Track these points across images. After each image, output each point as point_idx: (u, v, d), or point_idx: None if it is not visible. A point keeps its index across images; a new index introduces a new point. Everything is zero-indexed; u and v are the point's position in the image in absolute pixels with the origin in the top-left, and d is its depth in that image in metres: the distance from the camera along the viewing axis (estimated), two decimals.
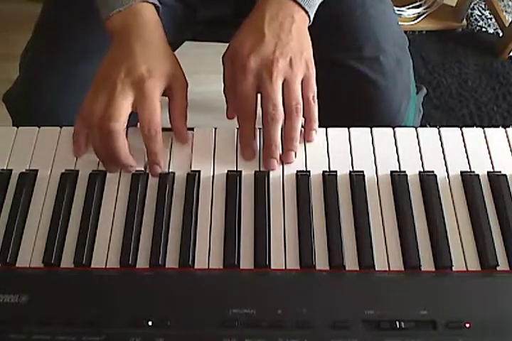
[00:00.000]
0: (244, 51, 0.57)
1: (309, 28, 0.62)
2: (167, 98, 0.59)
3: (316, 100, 0.58)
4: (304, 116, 0.57)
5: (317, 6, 0.62)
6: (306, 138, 0.58)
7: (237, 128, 0.60)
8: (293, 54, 0.57)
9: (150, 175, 0.57)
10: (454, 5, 1.71)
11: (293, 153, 0.57)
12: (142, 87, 0.55)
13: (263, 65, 0.56)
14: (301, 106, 0.56)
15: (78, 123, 0.57)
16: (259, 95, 0.57)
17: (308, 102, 0.57)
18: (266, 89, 0.56)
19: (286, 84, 0.56)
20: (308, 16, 0.61)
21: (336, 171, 0.57)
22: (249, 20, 0.61)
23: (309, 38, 0.60)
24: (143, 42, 0.58)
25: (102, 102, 0.54)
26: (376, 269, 0.51)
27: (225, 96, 0.61)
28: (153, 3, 0.61)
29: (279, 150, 0.57)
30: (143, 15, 0.60)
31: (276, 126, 0.56)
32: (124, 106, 0.54)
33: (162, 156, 0.57)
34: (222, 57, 0.61)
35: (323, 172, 0.57)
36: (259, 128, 0.59)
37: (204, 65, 1.64)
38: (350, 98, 0.72)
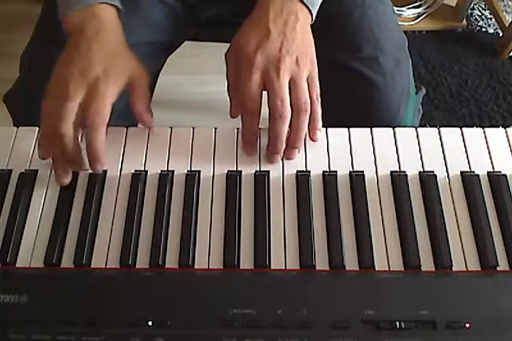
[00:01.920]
0: (250, 47, 0.56)
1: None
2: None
3: (319, 99, 0.58)
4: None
5: (319, 5, 0.62)
6: (310, 137, 0.58)
7: (238, 129, 0.60)
8: (299, 52, 0.57)
9: (149, 175, 0.57)
10: (454, 5, 1.71)
11: (297, 151, 0.58)
12: (94, 88, 0.55)
13: (269, 61, 0.56)
14: (309, 105, 0.56)
15: (43, 124, 0.56)
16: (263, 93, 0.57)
17: (312, 101, 0.57)
18: (273, 86, 0.55)
19: (293, 82, 0.56)
20: (311, 15, 0.61)
21: (335, 171, 0.57)
22: (253, 17, 0.60)
23: (312, 37, 0.60)
24: (99, 43, 0.58)
25: (56, 105, 0.54)
26: (376, 269, 0.51)
27: (229, 94, 0.60)
28: (113, 5, 0.61)
29: (284, 147, 0.57)
30: (100, 16, 0.60)
31: (285, 123, 0.55)
32: (75, 108, 0.54)
33: (102, 154, 0.56)
34: (225, 55, 0.61)
35: (323, 172, 0.57)
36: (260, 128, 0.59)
37: (204, 64, 1.64)
38: (349, 98, 0.72)
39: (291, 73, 0.56)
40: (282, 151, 0.57)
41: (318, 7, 0.62)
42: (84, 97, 0.55)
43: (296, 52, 0.57)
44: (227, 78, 0.60)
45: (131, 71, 0.59)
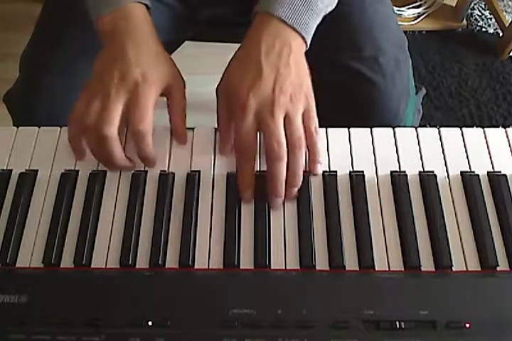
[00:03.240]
0: (243, 89, 0.55)
1: None
2: (165, 98, 0.59)
3: (319, 131, 0.57)
4: (307, 149, 0.56)
5: (313, 31, 0.60)
6: (311, 170, 0.57)
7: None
8: (292, 89, 0.55)
9: (149, 175, 0.57)
10: (454, 5, 1.71)
11: (296, 189, 0.55)
12: (136, 91, 0.55)
13: (263, 103, 0.54)
14: (303, 142, 0.55)
15: (72, 126, 0.56)
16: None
17: (310, 134, 0.56)
18: (268, 127, 0.54)
19: (287, 119, 0.55)
20: (305, 42, 0.59)
21: (335, 171, 0.57)
22: (245, 50, 0.58)
23: (306, 67, 0.58)
24: (136, 45, 0.57)
25: (96, 106, 0.54)
26: (376, 269, 0.51)
27: (219, 129, 0.59)
28: (144, 4, 0.61)
29: (284, 189, 0.54)
30: (135, 17, 0.59)
31: (282, 165, 0.54)
32: (118, 110, 0.54)
33: (153, 157, 0.57)
34: (216, 89, 0.60)
35: (324, 172, 0.57)
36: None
37: (204, 65, 1.64)
38: (349, 98, 0.72)
39: (286, 111, 0.55)
40: (283, 193, 0.54)
41: (312, 33, 0.60)
42: (127, 102, 0.55)
43: (290, 90, 0.55)
44: (217, 113, 0.59)
45: (169, 76, 0.58)
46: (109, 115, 0.53)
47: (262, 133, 0.55)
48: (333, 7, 0.63)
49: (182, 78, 0.60)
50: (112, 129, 0.53)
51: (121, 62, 0.56)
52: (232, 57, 0.59)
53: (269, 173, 0.54)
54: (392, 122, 0.71)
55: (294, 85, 0.55)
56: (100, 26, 0.60)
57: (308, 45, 0.60)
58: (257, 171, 0.57)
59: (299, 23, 0.58)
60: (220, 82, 0.59)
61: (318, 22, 0.61)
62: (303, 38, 0.58)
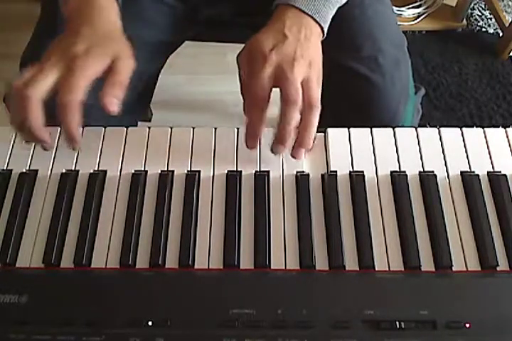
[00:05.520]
0: (266, 47, 0.57)
1: None
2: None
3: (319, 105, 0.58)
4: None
5: (329, 22, 0.63)
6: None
7: (238, 129, 0.60)
8: (311, 58, 0.57)
9: (149, 175, 0.57)
10: (454, 5, 1.71)
11: (303, 151, 0.57)
12: (73, 63, 0.54)
13: (284, 59, 0.56)
14: (319, 102, 0.56)
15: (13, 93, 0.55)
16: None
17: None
18: (288, 79, 0.55)
19: (305, 83, 0.56)
20: (323, 32, 0.62)
21: (335, 171, 0.57)
22: (268, 27, 0.60)
23: (321, 52, 0.60)
24: (90, 25, 0.58)
25: (30, 73, 0.54)
26: (376, 269, 0.51)
27: (242, 96, 0.59)
28: None
29: (290, 139, 0.56)
30: (97, 3, 0.60)
31: (296, 109, 0.54)
32: (48, 78, 0.54)
33: (73, 135, 0.55)
34: (237, 57, 0.60)
35: (323, 172, 0.57)
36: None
37: (204, 65, 1.64)
38: (348, 98, 0.72)
39: (304, 74, 0.56)
40: (288, 143, 0.56)
41: (328, 24, 0.63)
42: (61, 71, 0.54)
43: (310, 58, 0.57)
44: (239, 80, 0.60)
45: (115, 53, 0.58)
46: (35, 79, 0.53)
47: (280, 86, 0.55)
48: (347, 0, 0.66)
49: (131, 59, 0.59)
50: (35, 91, 0.53)
51: (70, 39, 0.57)
52: (255, 35, 0.60)
53: (281, 118, 0.55)
54: (391, 122, 0.71)
55: (312, 56, 0.58)
56: (65, 11, 0.61)
57: (325, 35, 0.62)
58: (256, 171, 0.57)
59: (318, 12, 0.61)
60: (242, 50, 0.60)
61: (333, 13, 0.64)
62: (321, 27, 0.61)
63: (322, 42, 0.62)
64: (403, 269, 0.51)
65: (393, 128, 0.60)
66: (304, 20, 0.60)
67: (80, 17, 0.59)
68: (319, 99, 0.56)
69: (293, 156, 0.57)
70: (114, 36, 0.60)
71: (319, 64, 0.59)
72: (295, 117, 0.55)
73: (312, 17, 0.61)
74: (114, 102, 0.56)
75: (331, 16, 0.63)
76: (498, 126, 0.61)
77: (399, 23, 0.80)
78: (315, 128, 0.56)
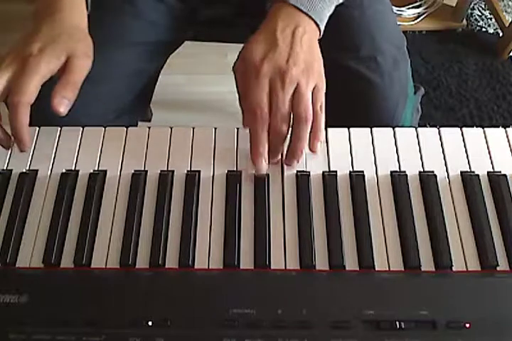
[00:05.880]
0: (257, 57, 0.56)
1: None
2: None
3: (324, 110, 0.57)
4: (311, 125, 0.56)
5: (327, 19, 0.62)
6: (310, 147, 0.57)
7: (238, 129, 0.60)
8: (305, 64, 0.57)
9: (149, 175, 0.57)
10: (454, 5, 1.71)
11: (295, 161, 0.57)
12: (26, 63, 0.54)
13: (276, 71, 0.55)
14: (310, 114, 0.55)
15: None
16: None
17: (315, 112, 0.56)
18: (277, 94, 0.55)
19: (297, 92, 0.55)
20: (319, 29, 0.61)
21: (335, 171, 0.57)
22: (261, 29, 0.60)
23: (319, 50, 0.60)
24: (50, 23, 0.58)
25: None
26: (376, 269, 0.51)
27: (241, 106, 0.59)
28: None
29: (278, 152, 0.56)
30: (62, 1, 0.60)
31: (284, 126, 0.55)
32: (2, 79, 0.54)
33: (22, 136, 0.55)
34: (233, 67, 0.60)
35: (324, 172, 0.57)
36: None
37: (204, 64, 1.64)
38: (347, 97, 0.72)
39: (297, 83, 0.56)
40: (276, 155, 0.56)
41: (326, 21, 0.62)
42: (15, 71, 0.54)
43: (303, 64, 0.56)
44: (237, 90, 0.59)
45: (70, 51, 0.57)
46: None
47: (270, 100, 0.55)
48: None
49: (89, 58, 0.59)
50: None
51: (27, 39, 0.57)
52: (250, 38, 0.60)
53: (270, 131, 0.55)
54: (390, 122, 0.71)
55: (306, 62, 0.57)
56: (35, 9, 0.61)
57: (322, 33, 0.62)
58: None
59: (314, 10, 0.60)
60: (237, 59, 0.60)
61: (330, 11, 0.63)
62: (316, 25, 0.61)
63: (321, 41, 0.62)
64: (403, 269, 0.51)
65: (393, 128, 0.60)
66: (298, 19, 0.60)
67: (43, 17, 0.59)
68: (310, 108, 0.55)
69: (286, 163, 0.57)
70: (72, 34, 0.59)
71: (315, 67, 0.58)
72: (283, 131, 0.55)
73: (307, 14, 0.60)
74: (63, 103, 0.56)
75: (328, 14, 0.62)
76: (498, 126, 0.61)
77: (399, 23, 0.80)
78: (304, 142, 0.56)
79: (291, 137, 0.56)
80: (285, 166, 0.58)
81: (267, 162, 0.56)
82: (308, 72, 0.56)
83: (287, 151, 0.57)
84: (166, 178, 0.56)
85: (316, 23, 0.60)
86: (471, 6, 1.72)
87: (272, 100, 0.55)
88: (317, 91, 0.57)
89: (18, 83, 0.54)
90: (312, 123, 0.56)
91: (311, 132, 0.56)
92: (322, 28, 0.62)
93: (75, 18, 0.61)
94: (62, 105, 0.55)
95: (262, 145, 0.55)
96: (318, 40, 0.61)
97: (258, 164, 0.55)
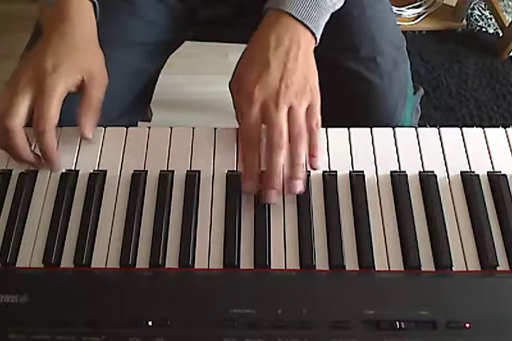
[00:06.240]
0: (249, 80, 0.56)
1: None
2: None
3: (320, 127, 0.57)
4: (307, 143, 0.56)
5: (323, 27, 0.62)
6: (310, 164, 0.57)
7: (237, 128, 0.60)
8: (298, 83, 0.56)
9: (149, 175, 0.57)
10: (454, 5, 1.71)
11: (300, 182, 0.54)
12: (43, 83, 0.54)
13: (268, 95, 0.55)
14: (304, 133, 0.55)
15: None
16: None
17: (311, 129, 0.56)
18: (271, 118, 0.54)
19: (290, 113, 0.55)
20: (315, 38, 0.61)
21: (335, 171, 0.57)
22: (254, 44, 0.59)
23: (314, 63, 0.59)
24: (62, 36, 0.57)
25: (5, 98, 0.54)
26: (376, 269, 0.51)
27: (238, 123, 0.59)
28: (91, 0, 0.61)
29: (281, 180, 0.54)
30: (71, 10, 0.59)
31: (280, 153, 0.54)
32: (23, 103, 0.54)
33: (53, 153, 0.56)
34: (229, 85, 0.60)
35: (323, 172, 0.57)
36: None
37: (204, 64, 1.64)
38: (346, 98, 0.72)
39: (290, 104, 0.55)
40: (279, 187, 0.54)
41: (322, 29, 0.61)
42: (34, 93, 0.54)
43: (296, 84, 0.56)
44: (234, 108, 0.59)
45: (86, 69, 0.57)
46: (13, 108, 0.53)
47: (266, 125, 0.55)
48: (341, 4, 0.65)
49: (105, 76, 0.59)
50: (14, 122, 0.53)
51: (40, 54, 0.56)
52: (243, 53, 0.60)
53: (266, 162, 0.54)
54: (389, 122, 0.71)
55: (299, 80, 0.56)
56: (42, 18, 0.60)
57: (318, 41, 0.61)
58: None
59: (309, 18, 0.59)
60: (232, 77, 0.60)
61: (326, 19, 0.62)
62: (312, 33, 0.60)
63: (320, 41, 0.61)
64: (403, 269, 0.51)
65: (393, 128, 0.60)
66: (293, 29, 0.59)
67: (52, 25, 0.58)
68: (304, 127, 0.55)
69: (289, 191, 0.55)
70: (85, 49, 0.59)
71: (309, 84, 0.57)
72: (279, 161, 0.54)
73: (303, 23, 0.59)
74: (89, 129, 0.56)
75: (323, 23, 0.62)
76: (498, 126, 0.61)
77: (399, 23, 0.80)
78: (301, 158, 0.54)
79: (288, 157, 0.55)
80: (285, 166, 0.57)
81: (257, 185, 0.55)
82: (301, 91, 0.56)
83: (287, 175, 0.55)
84: (166, 178, 0.56)
85: (311, 31, 0.60)
86: (471, 6, 1.72)
87: (268, 122, 0.55)
88: (311, 108, 0.57)
89: (39, 110, 0.54)
90: (308, 141, 0.56)
91: (309, 150, 0.56)
92: (318, 36, 0.61)
93: (86, 27, 0.60)
94: (90, 131, 0.57)
95: (254, 168, 0.55)
96: (319, 40, 0.61)
97: (248, 187, 0.55)
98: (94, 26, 0.61)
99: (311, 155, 0.57)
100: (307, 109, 0.56)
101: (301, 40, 0.59)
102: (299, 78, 0.57)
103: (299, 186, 0.54)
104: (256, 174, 0.55)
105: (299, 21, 0.59)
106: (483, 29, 1.73)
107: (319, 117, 0.57)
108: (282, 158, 0.54)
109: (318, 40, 0.61)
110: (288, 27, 0.59)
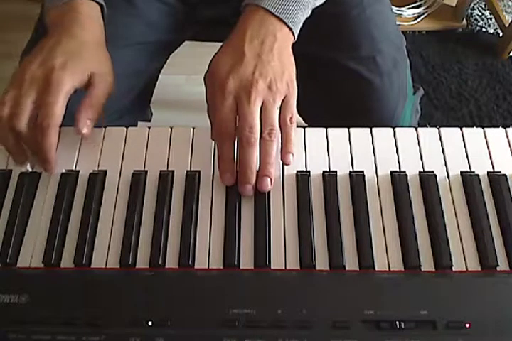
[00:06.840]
0: (223, 71, 0.55)
1: (307, 27, 0.62)
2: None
3: (295, 122, 0.56)
4: (280, 138, 0.56)
5: (302, 23, 0.61)
6: (282, 160, 0.56)
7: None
8: (273, 75, 0.55)
9: (149, 175, 0.57)
10: (454, 5, 1.71)
11: (268, 180, 0.54)
12: (49, 78, 0.54)
13: (242, 86, 0.54)
14: (275, 131, 0.54)
15: None
16: None
17: (285, 124, 0.55)
18: (243, 112, 0.54)
19: (264, 108, 0.54)
20: (293, 34, 0.60)
21: (335, 171, 0.57)
22: (230, 39, 0.59)
23: (292, 57, 0.58)
24: (70, 37, 0.57)
25: (11, 99, 0.54)
26: (376, 269, 0.51)
27: (209, 117, 0.58)
28: (96, 2, 0.61)
29: (254, 176, 0.54)
30: (80, 12, 0.59)
31: (252, 150, 0.53)
32: (30, 103, 0.54)
33: (48, 157, 0.55)
34: (204, 78, 0.59)
35: (323, 172, 0.57)
36: None
37: (204, 64, 1.64)
38: (346, 98, 0.72)
39: (264, 97, 0.54)
40: (253, 181, 0.54)
41: (300, 25, 0.61)
42: (40, 90, 0.54)
43: (271, 75, 0.55)
44: (206, 101, 0.58)
45: (94, 69, 0.57)
46: (19, 107, 0.53)
47: (238, 119, 0.54)
48: (323, 1, 0.64)
49: (111, 76, 0.59)
50: (22, 123, 0.53)
51: (47, 51, 0.56)
52: (219, 48, 0.59)
53: (240, 159, 0.54)
54: (389, 122, 0.71)
55: (274, 72, 0.55)
56: (47, 18, 0.60)
57: (296, 37, 0.60)
58: (256, 171, 0.57)
59: (285, 13, 0.58)
60: (207, 71, 0.59)
61: (306, 15, 0.61)
62: (289, 28, 0.59)
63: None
64: (403, 269, 0.51)
65: (393, 128, 0.60)
66: (269, 24, 0.58)
67: (60, 26, 0.59)
68: (276, 124, 0.54)
69: (259, 189, 0.54)
70: (94, 49, 0.59)
71: (285, 77, 0.56)
72: (252, 157, 0.53)
73: (279, 17, 0.58)
74: (86, 125, 0.56)
75: (302, 18, 0.61)
76: (498, 126, 0.61)
77: (399, 23, 0.80)
78: (271, 157, 0.54)
79: (260, 155, 0.55)
80: (285, 166, 0.57)
81: (234, 177, 0.55)
82: (276, 84, 0.55)
83: (258, 171, 0.55)
84: (166, 178, 0.56)
85: (288, 27, 0.59)
86: (471, 6, 1.72)
87: (239, 115, 0.54)
88: (287, 101, 0.56)
89: (45, 105, 0.53)
90: (282, 135, 0.55)
91: (281, 145, 0.56)
92: (296, 31, 0.60)
93: (95, 31, 0.60)
94: (86, 127, 0.56)
95: (228, 160, 0.55)
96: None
97: (225, 180, 0.55)
98: (102, 29, 0.62)
99: (285, 151, 0.56)
100: (282, 102, 0.56)
101: (277, 34, 0.58)
102: (274, 70, 0.56)
103: (267, 184, 0.54)
104: (232, 166, 0.55)
105: (276, 16, 0.58)
106: (483, 29, 1.73)
107: (294, 111, 0.56)
108: (255, 154, 0.54)
109: (296, 36, 0.60)
110: (264, 22, 0.58)
